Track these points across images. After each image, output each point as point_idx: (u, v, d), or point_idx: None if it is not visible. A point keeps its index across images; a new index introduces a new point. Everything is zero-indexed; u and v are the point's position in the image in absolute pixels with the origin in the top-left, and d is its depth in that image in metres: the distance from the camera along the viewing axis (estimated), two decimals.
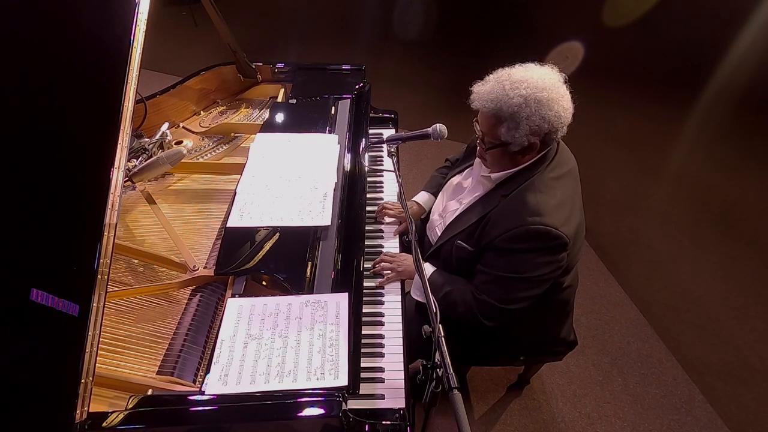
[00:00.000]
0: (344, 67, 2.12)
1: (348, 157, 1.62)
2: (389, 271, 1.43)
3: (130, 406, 0.94)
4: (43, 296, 0.89)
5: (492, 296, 1.28)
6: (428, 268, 1.42)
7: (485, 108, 1.21)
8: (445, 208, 1.47)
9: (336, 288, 1.23)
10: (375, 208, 1.69)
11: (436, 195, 1.69)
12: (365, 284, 1.40)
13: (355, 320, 1.19)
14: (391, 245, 1.57)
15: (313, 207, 1.38)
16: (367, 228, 1.56)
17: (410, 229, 1.16)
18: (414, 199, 1.71)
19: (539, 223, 1.18)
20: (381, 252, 1.54)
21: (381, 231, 1.62)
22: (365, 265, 1.43)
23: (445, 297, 1.34)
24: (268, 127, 1.73)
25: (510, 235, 1.21)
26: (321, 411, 0.94)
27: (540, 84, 1.17)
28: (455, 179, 1.52)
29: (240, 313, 1.14)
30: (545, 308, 1.43)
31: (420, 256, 1.08)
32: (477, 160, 1.41)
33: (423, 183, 1.79)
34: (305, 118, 1.79)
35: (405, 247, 1.57)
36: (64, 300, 0.89)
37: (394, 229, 1.61)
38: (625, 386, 2.04)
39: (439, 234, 1.44)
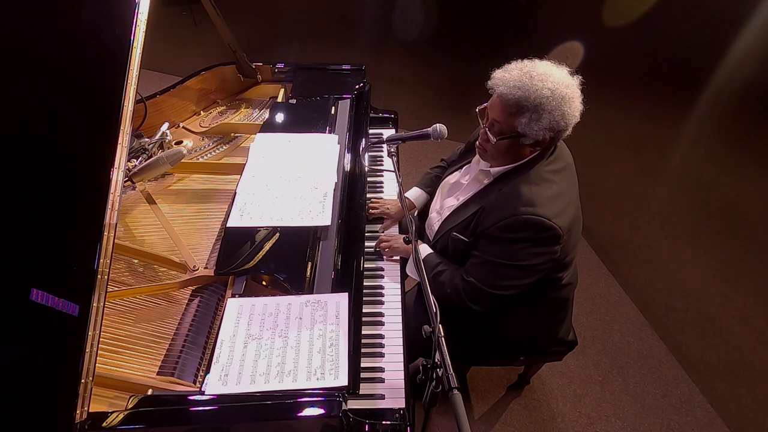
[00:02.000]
0: (344, 67, 2.12)
1: (348, 157, 1.63)
2: (386, 246, 1.47)
3: (130, 406, 0.94)
4: (43, 296, 0.89)
5: (480, 279, 1.28)
6: (424, 249, 1.44)
7: (510, 95, 1.17)
8: (443, 205, 1.48)
9: (336, 288, 1.23)
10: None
11: (429, 192, 1.71)
12: (365, 284, 1.40)
13: (355, 320, 1.19)
14: (389, 232, 1.60)
15: (313, 207, 1.38)
16: (367, 228, 1.56)
17: (410, 229, 1.16)
18: (405, 194, 1.72)
19: (531, 213, 1.19)
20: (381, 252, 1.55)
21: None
22: (365, 265, 1.43)
23: (435, 277, 1.36)
24: (268, 127, 1.73)
25: (502, 224, 1.22)
26: (321, 411, 0.94)
27: (564, 81, 1.17)
28: (452, 177, 1.52)
29: (240, 313, 1.14)
30: (544, 306, 1.43)
31: (420, 255, 1.09)
32: (475, 158, 1.41)
33: None
34: (305, 118, 1.79)
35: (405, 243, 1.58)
36: (64, 300, 0.89)
37: (393, 229, 1.62)
38: (625, 386, 2.04)
39: (437, 229, 1.45)
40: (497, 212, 1.24)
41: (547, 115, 1.16)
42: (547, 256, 1.25)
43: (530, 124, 1.18)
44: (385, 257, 1.51)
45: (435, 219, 1.50)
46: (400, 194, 1.31)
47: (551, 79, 1.15)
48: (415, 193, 1.72)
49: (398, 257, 1.51)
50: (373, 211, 1.64)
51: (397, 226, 1.65)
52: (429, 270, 1.37)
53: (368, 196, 1.69)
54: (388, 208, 1.63)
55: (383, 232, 1.62)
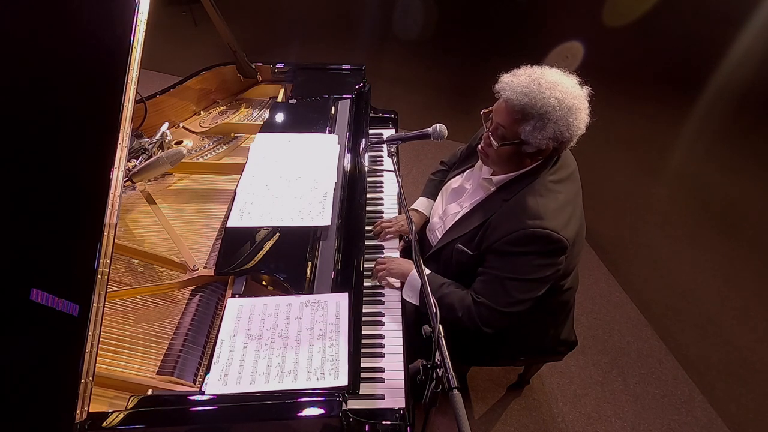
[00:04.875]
0: (344, 67, 2.11)
1: (348, 157, 1.62)
2: (383, 270, 1.41)
3: (130, 406, 0.94)
4: (43, 296, 0.89)
5: (490, 299, 1.27)
6: (425, 270, 1.41)
7: (517, 101, 1.15)
8: (446, 210, 1.47)
9: (336, 288, 1.23)
10: (375, 208, 1.69)
11: (434, 199, 1.67)
12: (365, 284, 1.40)
13: (355, 320, 1.19)
14: (391, 245, 1.57)
15: (313, 207, 1.38)
16: (367, 228, 1.56)
17: (410, 229, 1.16)
18: (413, 206, 1.68)
19: (539, 227, 1.18)
20: (381, 252, 1.55)
21: None
22: (365, 265, 1.43)
23: (441, 299, 1.32)
24: (268, 127, 1.73)
25: (510, 238, 1.21)
26: (321, 411, 0.94)
27: (572, 91, 1.16)
28: (455, 181, 1.51)
29: (240, 313, 1.14)
30: (546, 310, 1.42)
31: (419, 255, 1.08)
32: (478, 163, 1.39)
33: (423, 183, 1.78)
34: (305, 118, 1.79)
35: (405, 247, 1.57)
36: (64, 300, 0.89)
37: (392, 247, 1.57)
38: (625, 386, 2.04)
39: (440, 237, 1.44)
40: (504, 226, 1.23)
41: (552, 125, 1.14)
42: (554, 268, 1.24)
43: (534, 132, 1.16)
44: (381, 282, 1.43)
45: (437, 225, 1.49)
46: (401, 194, 1.30)
47: (559, 88, 1.14)
48: (424, 204, 1.68)
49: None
50: (389, 229, 1.56)
51: (397, 240, 1.58)
52: (434, 290, 1.32)
53: (368, 196, 1.69)
54: (402, 225, 1.57)
55: (399, 251, 1.55)
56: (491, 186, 1.33)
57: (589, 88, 1.20)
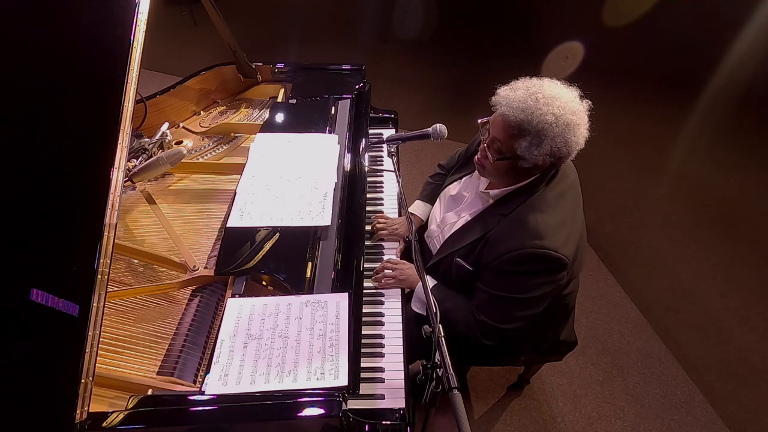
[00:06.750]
0: (344, 67, 2.11)
1: (348, 157, 1.62)
2: (391, 279, 1.41)
3: (130, 406, 0.94)
4: (43, 296, 0.89)
5: (491, 317, 1.26)
6: (429, 282, 1.41)
7: (513, 116, 1.13)
8: (444, 219, 1.46)
9: (336, 288, 1.23)
10: (375, 208, 1.69)
11: (431, 203, 1.67)
12: (365, 284, 1.40)
13: (355, 320, 1.19)
14: (391, 245, 1.57)
15: (313, 207, 1.38)
16: (367, 228, 1.56)
17: (410, 229, 1.16)
18: (410, 210, 1.66)
19: (539, 246, 1.16)
20: (381, 252, 1.55)
21: None
22: (365, 265, 1.42)
23: (445, 314, 1.32)
24: (268, 127, 1.73)
25: (509, 257, 1.19)
26: (321, 411, 0.94)
27: (571, 107, 1.13)
28: (453, 188, 1.49)
29: (240, 313, 1.14)
30: (547, 314, 1.42)
31: (420, 256, 1.08)
32: (476, 172, 1.38)
33: (423, 182, 1.78)
34: (305, 118, 1.78)
35: (406, 247, 1.57)
36: (64, 300, 0.89)
37: (391, 249, 1.57)
38: (625, 386, 2.04)
39: (438, 246, 1.43)
40: (503, 244, 1.21)
41: (549, 141, 1.12)
42: (554, 285, 1.24)
43: (530, 149, 1.14)
44: (381, 286, 1.41)
45: (435, 232, 1.48)
46: (401, 195, 1.30)
47: (557, 104, 1.11)
48: (420, 208, 1.68)
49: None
50: (381, 232, 1.56)
51: (396, 251, 1.57)
52: (438, 304, 1.33)
53: (368, 196, 1.69)
54: (396, 228, 1.57)
55: (398, 255, 1.54)
56: (489, 199, 1.31)
57: (590, 102, 1.18)
